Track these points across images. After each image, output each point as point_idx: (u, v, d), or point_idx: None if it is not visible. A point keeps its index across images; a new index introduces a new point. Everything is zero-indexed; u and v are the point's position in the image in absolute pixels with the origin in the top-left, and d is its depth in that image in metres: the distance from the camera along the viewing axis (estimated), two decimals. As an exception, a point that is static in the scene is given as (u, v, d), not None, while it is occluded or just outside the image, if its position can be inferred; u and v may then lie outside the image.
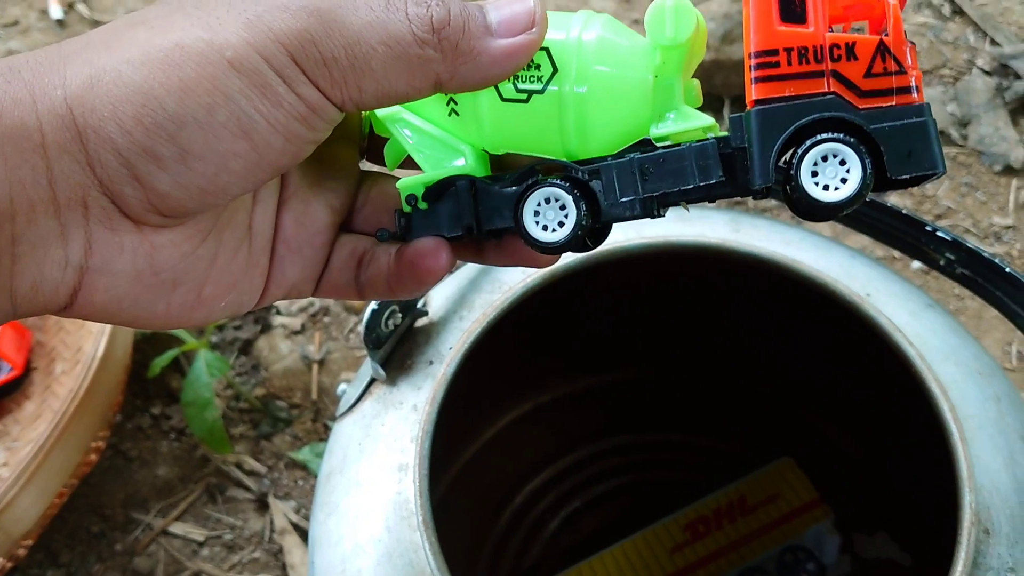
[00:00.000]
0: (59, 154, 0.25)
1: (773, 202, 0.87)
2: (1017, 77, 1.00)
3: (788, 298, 0.54)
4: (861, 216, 0.54)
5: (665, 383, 0.72)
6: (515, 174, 0.31)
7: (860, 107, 0.28)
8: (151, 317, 0.29)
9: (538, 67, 0.30)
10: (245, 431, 0.82)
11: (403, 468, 0.46)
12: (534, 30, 0.29)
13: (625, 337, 0.69)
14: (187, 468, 0.81)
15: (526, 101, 0.30)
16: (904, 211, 0.53)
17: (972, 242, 0.53)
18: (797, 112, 0.28)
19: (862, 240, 0.85)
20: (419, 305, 0.52)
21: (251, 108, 0.26)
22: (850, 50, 0.28)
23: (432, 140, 0.32)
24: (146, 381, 0.83)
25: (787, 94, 0.28)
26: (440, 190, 0.32)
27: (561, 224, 0.30)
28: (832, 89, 0.28)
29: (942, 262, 0.52)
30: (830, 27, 0.28)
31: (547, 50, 0.30)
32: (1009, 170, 0.94)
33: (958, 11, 1.10)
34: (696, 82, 0.32)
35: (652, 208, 0.30)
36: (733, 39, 0.94)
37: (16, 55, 0.27)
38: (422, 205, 0.32)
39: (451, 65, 0.28)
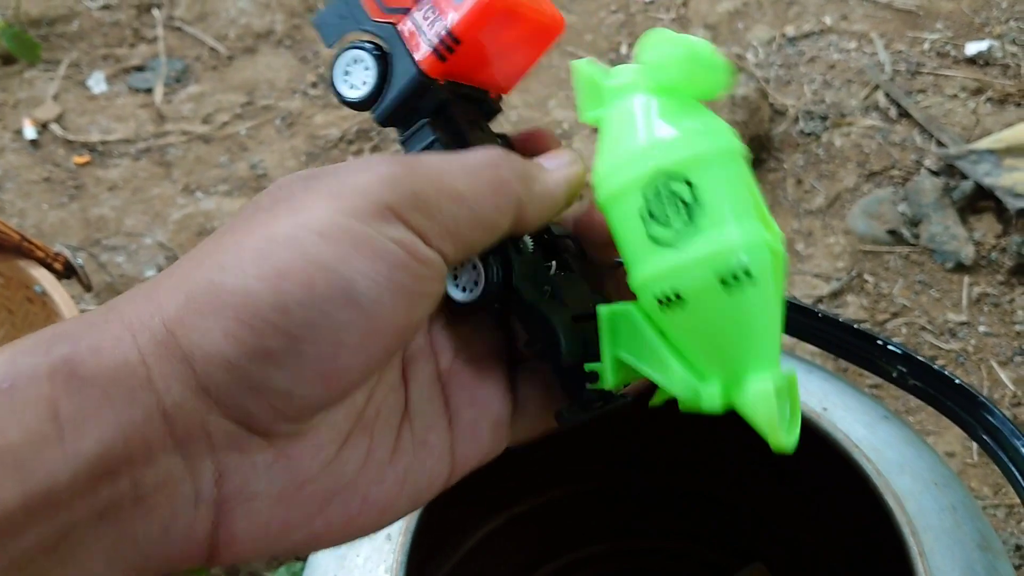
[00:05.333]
0: (168, 384, 0.24)
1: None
2: (963, 177, 1.04)
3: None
4: (816, 331, 0.56)
5: (638, 492, 0.73)
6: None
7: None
8: (311, 538, 0.27)
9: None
10: (221, 551, 0.82)
11: (379, 599, 0.47)
12: (577, 162, 0.31)
13: (599, 450, 0.70)
14: (162, 591, 0.80)
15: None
16: (856, 326, 0.55)
17: (922, 355, 0.55)
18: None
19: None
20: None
21: (349, 269, 0.25)
22: None
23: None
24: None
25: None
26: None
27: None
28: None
29: (894, 374, 0.55)
30: None
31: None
32: (961, 267, 0.98)
33: (904, 113, 1.15)
34: None
35: None
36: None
37: (116, 297, 0.26)
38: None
39: (525, 185, 0.29)
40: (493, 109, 0.36)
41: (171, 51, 1.38)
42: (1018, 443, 0.51)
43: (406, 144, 0.33)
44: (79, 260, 0.80)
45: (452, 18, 0.32)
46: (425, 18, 0.32)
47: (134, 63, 1.37)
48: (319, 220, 0.25)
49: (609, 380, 0.30)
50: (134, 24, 1.42)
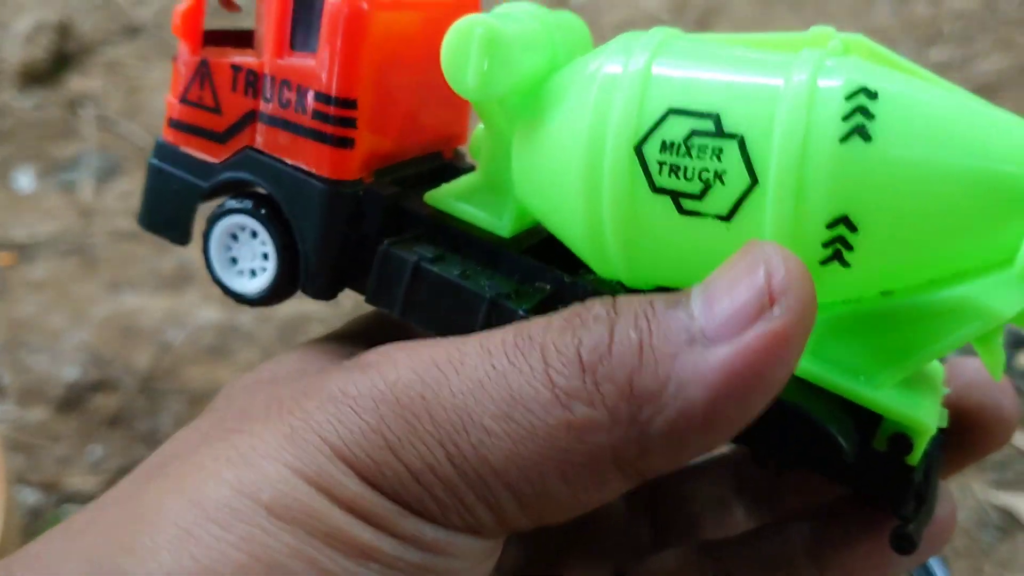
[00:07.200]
0: None
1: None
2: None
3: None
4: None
5: None
6: None
7: None
8: None
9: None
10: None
11: None
12: (777, 310, 0.16)
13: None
14: None
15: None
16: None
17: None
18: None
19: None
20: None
21: (316, 573, 0.16)
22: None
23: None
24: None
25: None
26: None
27: None
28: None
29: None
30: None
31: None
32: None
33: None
34: None
35: None
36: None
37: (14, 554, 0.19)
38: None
39: (628, 426, 0.16)
40: (457, 170, 0.25)
41: (101, 147, 1.39)
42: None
43: (379, 300, 0.22)
44: (-10, 368, 0.79)
45: (323, 78, 0.21)
46: (284, 105, 0.21)
47: (63, 160, 1.38)
48: (269, 483, 0.16)
49: (929, 425, 0.19)
50: (65, 121, 1.43)
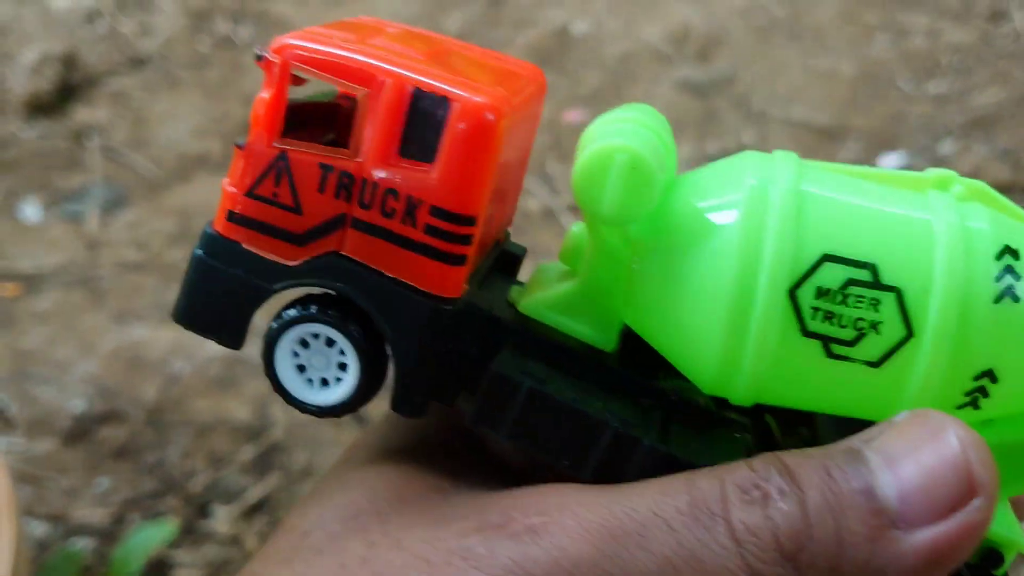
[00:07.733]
0: None
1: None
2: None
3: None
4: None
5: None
6: None
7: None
8: None
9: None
10: None
11: None
12: (977, 502, 0.16)
13: None
14: None
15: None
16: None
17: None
18: None
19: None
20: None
21: None
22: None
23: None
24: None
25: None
26: None
27: None
28: None
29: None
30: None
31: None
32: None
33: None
34: None
35: None
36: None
37: None
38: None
39: None
40: (515, 257, 0.25)
41: (107, 178, 1.40)
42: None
43: (485, 422, 0.20)
44: None
45: (442, 193, 0.19)
46: (387, 215, 0.20)
47: (69, 190, 1.39)
48: None
49: (1022, 543, 0.20)
50: (71, 151, 1.44)
